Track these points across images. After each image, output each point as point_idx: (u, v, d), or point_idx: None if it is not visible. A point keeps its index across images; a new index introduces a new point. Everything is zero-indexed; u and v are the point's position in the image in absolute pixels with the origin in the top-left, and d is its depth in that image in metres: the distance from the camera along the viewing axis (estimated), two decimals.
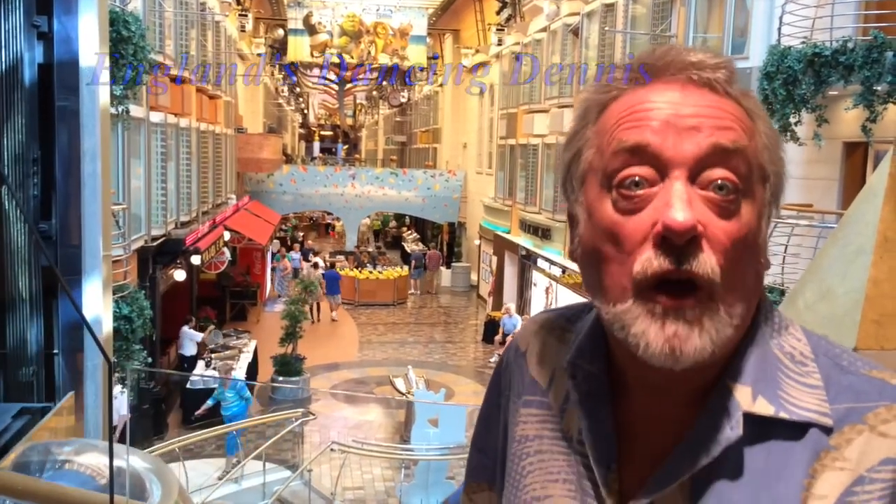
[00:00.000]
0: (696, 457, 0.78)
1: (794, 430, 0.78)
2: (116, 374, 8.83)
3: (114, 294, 6.35)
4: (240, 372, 15.27)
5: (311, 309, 21.53)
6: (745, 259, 0.77)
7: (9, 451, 2.92)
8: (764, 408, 0.79)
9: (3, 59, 4.23)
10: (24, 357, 4.20)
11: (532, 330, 1.03)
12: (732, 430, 0.77)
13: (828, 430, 0.77)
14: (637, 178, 0.76)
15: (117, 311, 8.01)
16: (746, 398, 0.79)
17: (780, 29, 9.37)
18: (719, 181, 0.76)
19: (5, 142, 4.11)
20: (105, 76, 4.68)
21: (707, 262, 0.74)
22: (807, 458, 0.77)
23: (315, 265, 26.04)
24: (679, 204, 0.74)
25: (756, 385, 0.80)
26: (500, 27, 25.37)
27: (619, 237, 0.77)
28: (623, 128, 0.78)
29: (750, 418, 0.78)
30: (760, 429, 0.78)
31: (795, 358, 0.82)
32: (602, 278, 0.80)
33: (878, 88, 8.14)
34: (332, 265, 27.15)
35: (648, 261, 0.75)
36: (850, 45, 8.35)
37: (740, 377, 0.80)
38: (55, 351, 4.39)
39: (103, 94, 4.65)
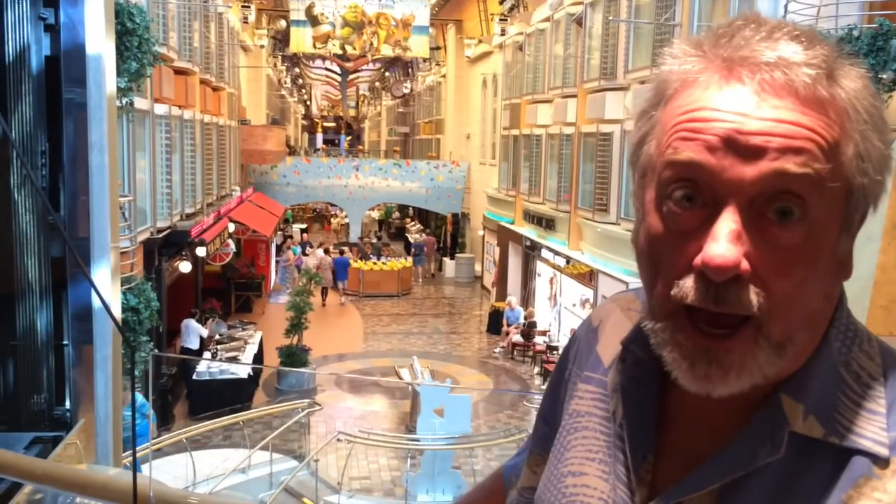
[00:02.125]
0: (731, 468, 0.74)
1: (843, 454, 0.73)
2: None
3: (121, 285, 6.37)
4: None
5: (321, 292, 23.29)
6: (808, 286, 0.70)
7: (21, 486, 2.94)
8: (813, 429, 0.73)
9: (11, 51, 4.24)
10: (35, 347, 4.23)
11: (608, 307, 1.00)
12: (774, 448, 0.73)
13: (877, 459, 0.72)
14: (690, 194, 0.71)
15: (125, 302, 8.04)
16: (797, 416, 0.74)
17: (784, 17, 9.35)
18: (781, 206, 0.68)
19: (14, 134, 4.12)
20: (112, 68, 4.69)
21: (752, 302, 0.68)
22: (845, 482, 0.72)
23: (326, 251, 26.59)
24: (723, 238, 0.68)
25: (810, 403, 0.74)
26: (503, 17, 25.29)
27: (666, 256, 0.73)
28: (680, 135, 0.71)
29: (796, 437, 0.73)
30: (806, 448, 0.73)
31: (861, 379, 0.75)
32: (646, 287, 0.77)
33: (884, 76, 8.12)
34: (342, 253, 27.57)
35: (688, 289, 0.70)
36: (855, 32, 8.32)
37: (795, 392, 0.74)
38: (65, 342, 4.42)
39: (110, 85, 4.66)
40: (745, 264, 0.68)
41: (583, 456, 0.89)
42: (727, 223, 0.68)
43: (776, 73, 0.69)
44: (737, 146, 0.68)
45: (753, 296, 0.68)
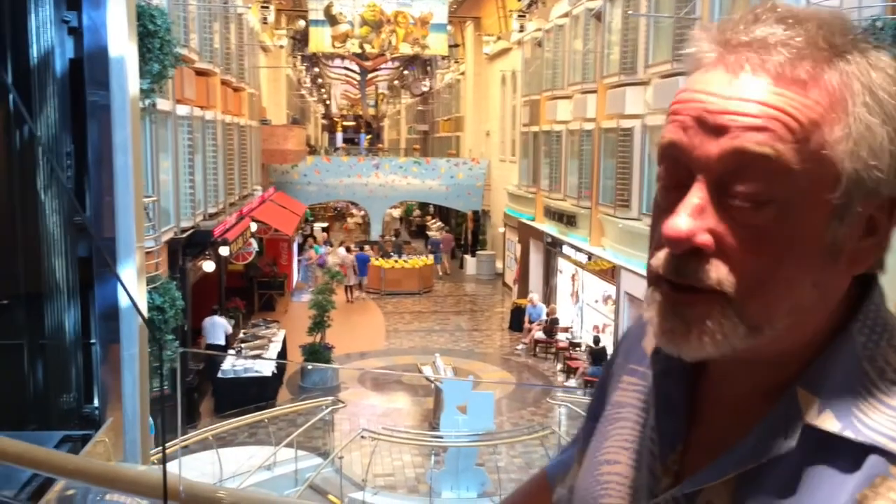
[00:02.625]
0: (745, 459, 0.75)
1: (859, 451, 0.71)
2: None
3: (146, 285, 6.45)
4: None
5: (346, 290, 24.18)
6: (786, 270, 0.70)
7: (53, 482, 2.99)
8: (828, 423, 0.72)
9: (36, 55, 4.30)
10: (63, 347, 4.29)
11: None
12: (786, 440, 0.72)
13: (893, 457, 0.70)
14: (672, 172, 0.74)
15: (150, 301, 8.13)
16: (812, 409, 0.73)
17: None
18: (744, 189, 0.69)
19: (40, 136, 4.18)
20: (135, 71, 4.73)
21: (712, 275, 0.70)
22: (860, 480, 0.70)
23: (348, 249, 26.77)
24: (683, 212, 0.70)
25: (827, 398, 0.73)
26: (521, 13, 25.22)
27: (653, 231, 0.76)
28: (669, 120, 0.74)
29: (812, 430, 0.72)
30: (821, 443, 0.72)
31: (886, 374, 0.74)
32: None
33: None
34: (361, 249, 27.78)
35: (659, 260, 0.73)
36: (878, 23, 8.23)
37: (812, 386, 0.74)
38: (92, 340, 4.47)
39: (133, 87, 4.71)
40: (702, 238, 0.70)
41: (619, 445, 0.91)
42: (692, 198, 0.70)
43: (750, 53, 0.70)
44: (706, 125, 0.70)
45: (715, 270, 0.70)
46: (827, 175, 0.69)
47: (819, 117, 0.68)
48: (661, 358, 0.86)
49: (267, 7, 24.84)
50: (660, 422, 0.85)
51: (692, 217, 0.70)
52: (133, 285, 4.54)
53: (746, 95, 0.69)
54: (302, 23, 33.86)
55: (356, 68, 52.58)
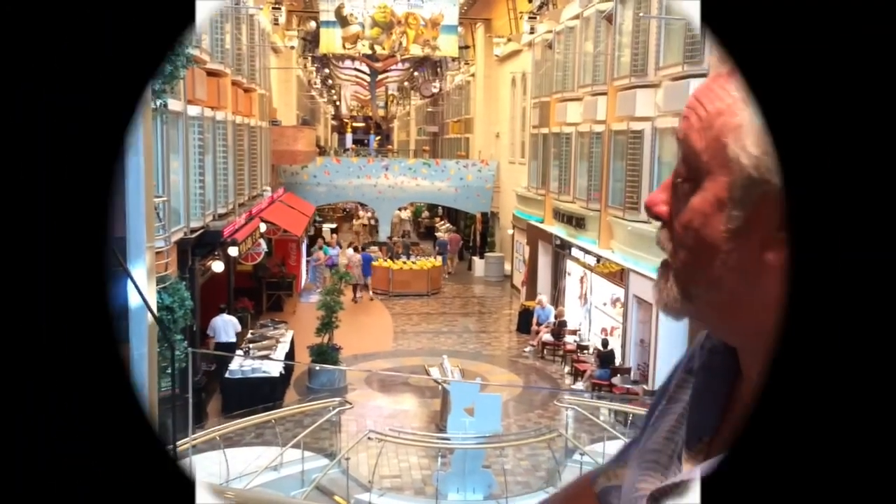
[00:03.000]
0: None
1: None
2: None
3: (156, 285, 6.47)
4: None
5: (353, 289, 24.30)
6: (694, 245, 0.77)
7: None
8: None
9: None
10: None
11: None
12: None
13: None
14: None
15: (159, 301, 8.16)
16: None
17: None
18: (678, 168, 0.80)
19: None
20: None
21: (661, 240, 0.82)
22: None
23: (356, 249, 26.82)
24: (659, 187, 0.82)
25: None
26: (532, 15, 25.19)
27: None
28: None
29: None
30: None
31: None
32: None
33: None
34: (364, 249, 27.89)
35: None
36: None
37: None
38: None
39: None
40: (660, 208, 0.82)
41: (664, 437, 0.97)
42: (670, 176, 0.82)
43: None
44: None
45: (663, 236, 0.82)
46: (724, 159, 0.73)
47: (725, 107, 0.74)
48: (704, 352, 0.92)
49: (278, 8, 24.92)
50: (691, 415, 0.90)
51: (661, 191, 0.82)
52: (143, 285, 4.56)
53: (701, 88, 0.78)
54: (313, 24, 33.93)
55: (366, 70, 52.69)
